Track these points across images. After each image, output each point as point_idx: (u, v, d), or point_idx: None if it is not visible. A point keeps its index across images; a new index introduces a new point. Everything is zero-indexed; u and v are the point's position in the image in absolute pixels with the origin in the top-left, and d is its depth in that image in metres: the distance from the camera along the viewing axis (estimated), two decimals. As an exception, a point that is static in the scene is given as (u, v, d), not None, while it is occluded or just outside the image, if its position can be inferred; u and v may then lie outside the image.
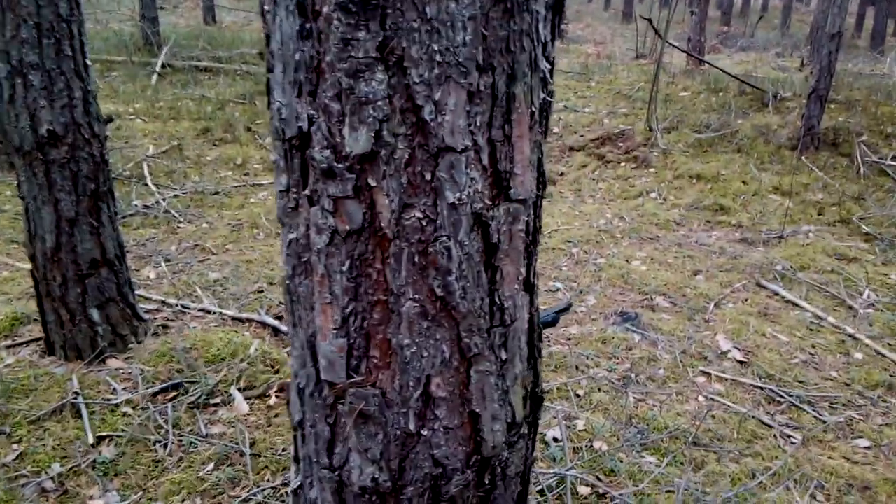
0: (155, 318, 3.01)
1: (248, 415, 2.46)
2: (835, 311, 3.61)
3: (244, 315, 3.14)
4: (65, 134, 2.40)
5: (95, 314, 2.60)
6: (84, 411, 2.34)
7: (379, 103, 0.60)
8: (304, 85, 0.64)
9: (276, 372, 2.72)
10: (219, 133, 6.75)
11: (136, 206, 4.67)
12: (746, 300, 3.74)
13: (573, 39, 15.66)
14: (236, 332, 2.96)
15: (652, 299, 3.73)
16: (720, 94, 8.04)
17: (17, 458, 2.17)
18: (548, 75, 0.66)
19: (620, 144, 6.48)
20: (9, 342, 2.79)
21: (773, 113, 7.00)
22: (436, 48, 0.59)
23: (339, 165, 0.64)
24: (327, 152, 0.64)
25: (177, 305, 3.19)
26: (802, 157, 5.95)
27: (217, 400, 2.52)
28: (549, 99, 0.67)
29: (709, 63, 8.53)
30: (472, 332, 0.68)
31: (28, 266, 3.77)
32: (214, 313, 3.15)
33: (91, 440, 2.23)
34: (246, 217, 4.71)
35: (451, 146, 0.62)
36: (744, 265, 4.23)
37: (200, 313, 3.15)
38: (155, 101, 7.75)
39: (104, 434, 2.27)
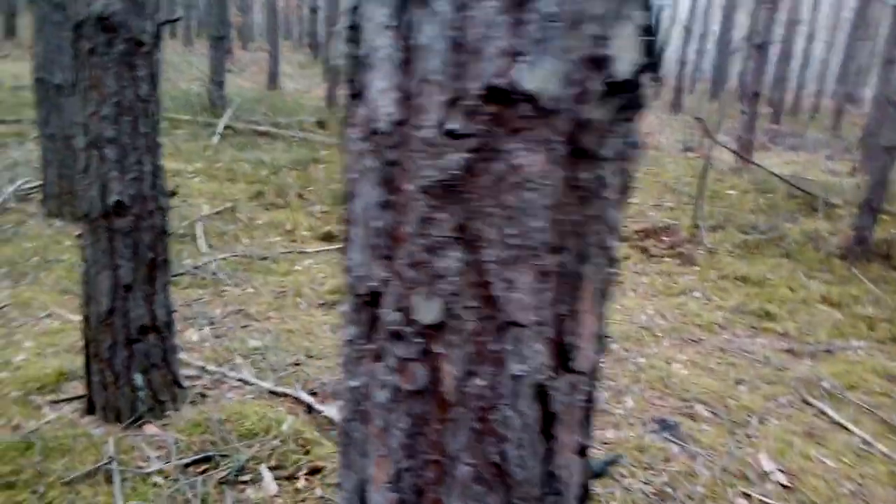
0: (194, 385, 3.05)
1: (276, 496, 2.45)
2: (886, 438, 3.45)
3: (280, 389, 3.16)
4: (131, 205, 2.52)
5: (139, 379, 2.65)
6: (116, 478, 2.36)
7: (452, 278, 0.63)
8: (381, 249, 0.67)
9: (307, 452, 2.70)
10: (271, 197, 6.97)
11: (186, 265, 4.81)
12: (791, 417, 3.61)
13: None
14: (271, 406, 2.97)
15: (692, 407, 3.63)
16: (768, 195, 8.00)
17: (45, 522, 2.19)
18: (614, 253, 0.69)
19: (665, 239, 6.46)
20: (52, 397, 2.86)
21: (823, 219, 6.92)
22: (510, 232, 0.62)
23: (408, 329, 0.66)
24: (397, 315, 0.67)
25: (216, 373, 3.23)
26: (853, 268, 5.83)
27: (247, 477, 2.52)
28: (613, 273, 0.69)
29: (758, 165, 8.54)
30: (525, 500, 0.68)
31: (78, 318, 3.90)
32: (252, 385, 3.18)
33: (119, 509, 2.24)
34: (291, 285, 4.80)
35: (518, 321, 0.64)
36: (789, 378, 4.10)
37: (238, 383, 3.18)
38: (214, 161, 8.09)
39: (133, 504, 2.28)
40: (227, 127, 9.85)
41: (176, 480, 2.41)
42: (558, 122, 0.60)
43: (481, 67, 0.58)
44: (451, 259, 0.63)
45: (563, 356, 0.67)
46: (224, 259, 5.07)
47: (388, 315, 0.68)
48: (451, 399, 0.66)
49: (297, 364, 3.58)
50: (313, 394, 3.21)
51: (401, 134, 0.63)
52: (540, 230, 0.62)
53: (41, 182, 5.43)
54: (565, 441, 0.70)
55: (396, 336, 0.67)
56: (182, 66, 20.39)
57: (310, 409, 3.07)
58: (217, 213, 6.12)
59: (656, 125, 18.43)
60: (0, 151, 7.14)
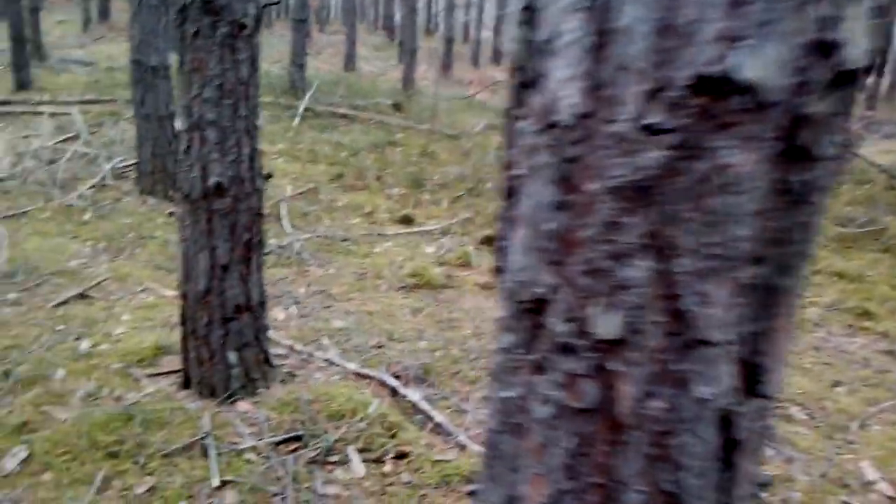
0: (283, 364, 3.10)
1: (364, 479, 2.46)
2: None
3: (365, 371, 3.18)
4: (230, 187, 2.56)
5: (233, 357, 2.71)
6: (212, 452, 2.42)
7: (637, 289, 0.57)
8: (551, 254, 0.61)
9: (393, 436, 2.71)
10: (350, 180, 7.04)
11: (272, 245, 4.91)
12: (895, 423, 3.38)
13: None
14: (357, 387, 2.99)
15: (787, 408, 3.44)
16: (866, 186, 7.51)
17: (147, 491, 2.27)
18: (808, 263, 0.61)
19: (756, 230, 6.14)
20: (150, 371, 2.97)
21: (931, 212, 6.44)
22: (709, 240, 0.55)
23: (580, 342, 0.61)
24: (568, 326, 0.61)
25: (303, 353, 3.28)
26: (967, 266, 5.40)
27: (335, 458, 2.54)
28: (803, 287, 0.62)
29: (855, 154, 8.01)
30: (698, 533, 0.62)
31: (171, 293, 4.04)
32: (337, 365, 3.21)
33: (216, 483, 2.30)
34: (370, 267, 4.83)
35: (708, 339, 0.57)
36: (891, 382, 3.84)
37: (324, 364, 3.22)
38: (296, 142, 8.22)
39: (228, 479, 2.33)
40: (307, 109, 9.99)
41: (268, 458, 2.46)
42: (774, 117, 0.52)
43: (691, 53, 0.51)
44: (638, 268, 0.56)
45: (751, 378, 0.60)
46: (307, 239, 5.14)
47: (556, 325, 0.62)
48: (625, 420, 0.60)
49: (380, 346, 3.59)
50: (397, 377, 3.22)
51: (586, 127, 0.57)
52: (743, 238, 0.55)
53: (136, 160, 5.64)
54: (746, 471, 0.63)
55: (565, 348, 0.62)
56: (263, 48, 20.86)
57: (394, 392, 3.07)
58: (300, 193, 6.23)
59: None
60: (97, 130, 7.47)
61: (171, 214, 5.26)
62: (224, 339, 2.69)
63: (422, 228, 5.85)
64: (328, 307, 4.10)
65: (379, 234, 5.57)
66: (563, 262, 0.60)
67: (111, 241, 4.60)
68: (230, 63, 2.44)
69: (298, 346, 3.33)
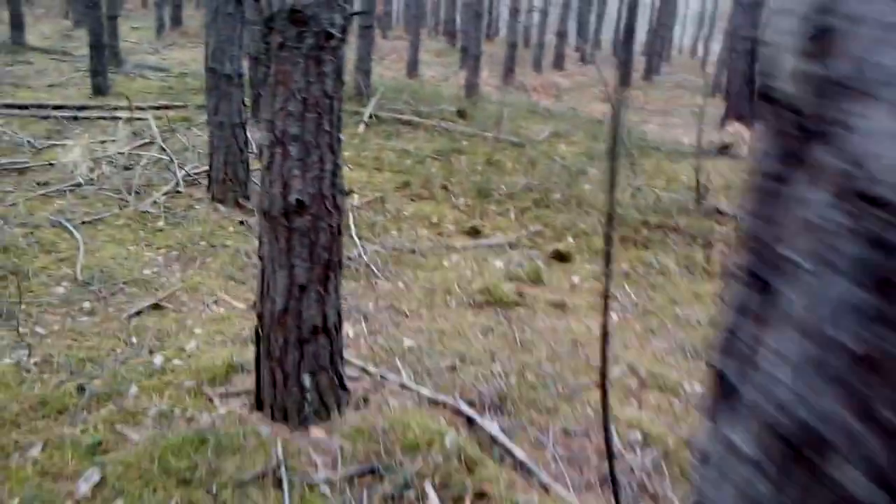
0: (356, 389, 2.98)
1: (442, 520, 2.31)
2: None
3: (440, 397, 3.03)
4: (311, 204, 2.45)
5: (307, 380, 2.60)
6: (286, 484, 2.31)
7: None
8: (847, 380, 0.44)
9: (472, 472, 2.54)
10: (416, 188, 6.93)
11: (339, 256, 4.82)
12: None
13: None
14: (432, 416, 2.84)
15: None
16: None
17: (220, 524, 2.17)
18: None
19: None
20: (222, 390, 2.89)
21: None
22: None
23: (892, 509, 0.43)
24: (868, 487, 0.43)
25: (375, 375, 3.16)
26: None
27: (411, 494, 2.39)
28: None
29: None
30: None
31: (242, 306, 3.99)
32: (411, 390, 3.07)
33: (290, 519, 2.18)
34: (440, 281, 4.69)
35: None
36: None
37: (397, 387, 3.08)
38: (361, 149, 8.18)
39: (302, 514, 2.22)
40: (371, 115, 9.97)
41: (342, 493, 2.33)
42: None
43: None
44: None
45: None
46: (375, 252, 5.04)
47: (850, 482, 0.44)
48: None
49: (453, 369, 3.44)
50: (471, 404, 3.06)
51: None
52: None
53: (208, 167, 5.66)
54: None
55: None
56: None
57: (470, 421, 2.91)
58: (367, 202, 6.15)
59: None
60: (170, 136, 7.59)
61: (241, 223, 5.25)
62: (299, 361, 2.58)
63: (490, 241, 5.68)
64: (398, 324, 3.97)
65: (447, 247, 5.43)
66: (867, 395, 0.42)
67: (183, 250, 4.60)
68: (315, 75, 2.33)
69: (371, 368, 3.21)
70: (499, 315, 4.26)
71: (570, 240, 5.77)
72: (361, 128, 9.44)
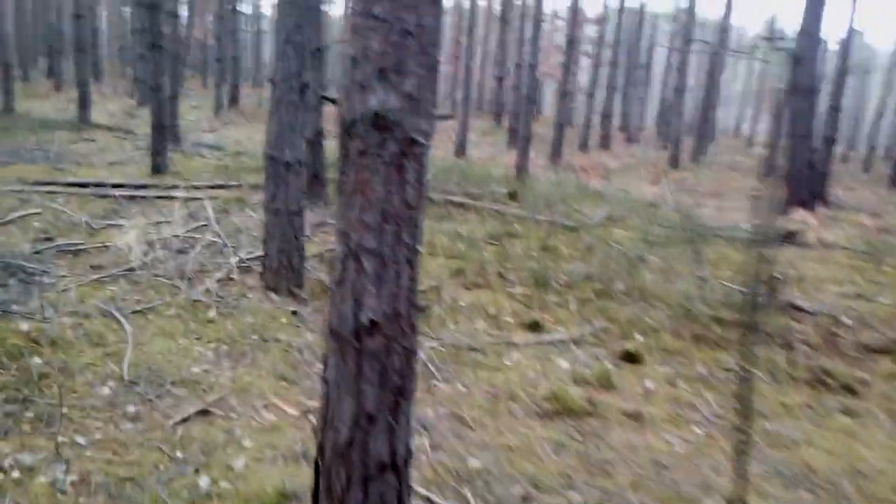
0: (422, 527, 2.64)
1: None
2: None
3: (516, 540, 2.66)
4: (385, 324, 2.19)
5: (371, 524, 2.28)
6: None
7: None
8: None
9: None
10: (472, 275, 6.68)
11: (395, 354, 4.54)
12: None
13: (840, 205, 14.07)
14: (509, 565, 2.47)
15: None
16: None
17: None
18: None
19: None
20: (274, 524, 2.58)
21: None
22: None
23: None
24: None
25: (443, 508, 2.81)
26: None
27: None
28: None
29: None
30: None
31: (295, 412, 3.71)
32: (483, 529, 2.71)
33: None
34: (502, 384, 4.35)
35: None
36: None
37: (467, 525, 2.73)
38: (413, 233, 8.00)
39: None
40: (422, 196, 9.86)
41: None
42: None
43: None
44: None
45: None
46: (432, 348, 4.75)
47: None
48: None
49: (525, 500, 3.06)
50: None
51: None
52: None
53: (262, 254, 5.52)
54: None
55: None
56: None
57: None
58: (422, 292, 5.89)
59: (875, 201, 16.17)
60: (224, 217, 7.57)
61: (294, 313, 5.04)
62: (363, 502, 2.27)
63: (552, 337, 5.34)
64: (461, 437, 3.63)
65: (507, 343, 5.10)
66: None
67: (234, 344, 4.38)
68: (397, 184, 2.12)
69: (437, 499, 2.86)
70: (569, 426, 3.89)
71: (639, 337, 5.39)
72: (412, 209, 9.32)
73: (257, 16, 41.69)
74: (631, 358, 5.01)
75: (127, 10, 34.81)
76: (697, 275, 7.01)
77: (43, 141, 12.37)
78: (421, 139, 2.13)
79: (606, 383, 4.51)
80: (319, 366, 4.40)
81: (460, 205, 9.98)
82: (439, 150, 17.16)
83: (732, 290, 6.67)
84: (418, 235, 2.23)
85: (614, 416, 4.07)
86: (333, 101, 1.99)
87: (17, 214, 6.58)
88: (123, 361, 3.88)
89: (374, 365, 2.22)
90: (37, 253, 5.81)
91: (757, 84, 37.62)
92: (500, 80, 26.43)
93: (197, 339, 4.41)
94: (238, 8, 25.90)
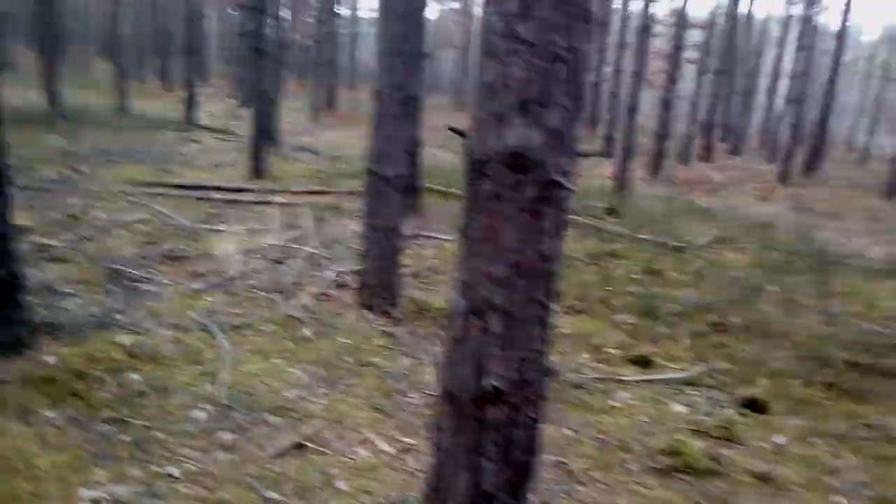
0: None
1: None
2: None
3: None
4: (510, 392, 1.90)
5: None
6: None
7: None
8: None
9: None
10: (571, 299, 6.28)
11: (495, 388, 4.25)
12: None
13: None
14: None
15: None
16: None
17: None
18: None
19: None
20: None
21: None
22: None
23: None
24: None
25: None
26: None
27: None
28: None
29: None
30: None
31: (391, 450, 3.48)
32: None
33: None
34: (611, 429, 3.97)
35: None
36: None
37: None
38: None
39: None
40: (518, 208, 9.53)
41: None
42: None
43: None
44: None
45: None
46: (535, 384, 4.41)
47: None
48: None
49: (649, 579, 2.69)
50: None
51: None
52: None
53: (358, 269, 5.36)
54: None
55: None
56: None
57: None
58: (520, 316, 5.57)
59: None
60: (319, 225, 7.52)
61: (389, 335, 4.84)
62: (476, 591, 1.98)
63: (663, 375, 4.89)
64: (570, 494, 3.29)
65: (614, 380, 4.70)
66: None
67: (328, 368, 4.22)
68: (532, 233, 1.82)
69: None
70: (692, 488, 3.47)
71: (763, 382, 4.86)
72: (508, 222, 9.00)
73: (354, 18, 42.54)
74: (755, 406, 4.50)
75: (233, 14, 36.29)
76: (826, 310, 6.33)
77: (152, 141, 12.89)
78: (563, 181, 1.82)
79: (730, 435, 4.04)
80: (414, 395, 4.19)
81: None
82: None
83: (870, 329, 5.98)
84: (554, 292, 1.92)
85: (742, 477, 3.62)
86: (462, 134, 1.73)
87: (124, 219, 6.73)
88: (219, 382, 3.77)
89: (496, 438, 1.93)
90: (141, 258, 5.89)
91: (876, 93, 34.88)
92: (596, 85, 25.67)
93: (292, 359, 4.27)
94: (336, 10, 26.42)
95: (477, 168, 1.84)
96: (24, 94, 16.36)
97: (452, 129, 1.86)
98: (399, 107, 4.89)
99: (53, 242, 5.72)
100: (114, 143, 12.18)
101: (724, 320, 6.00)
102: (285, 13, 25.99)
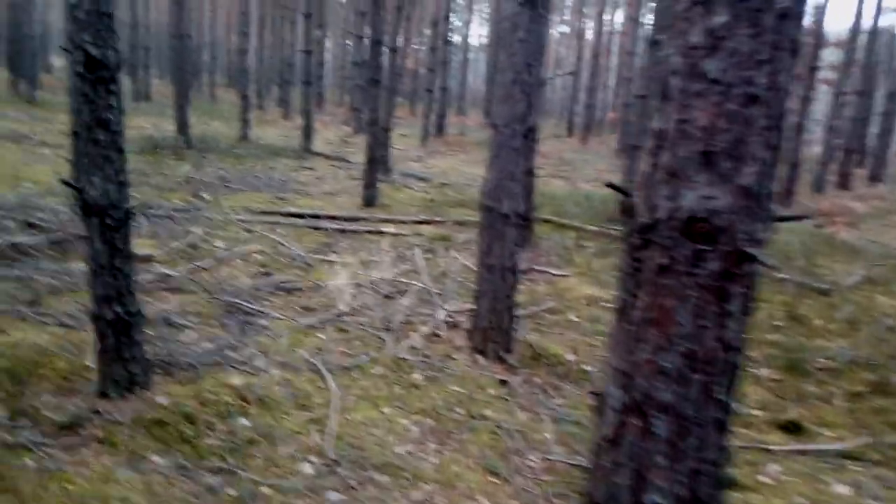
0: None
1: None
2: None
3: None
4: (679, 512, 1.52)
5: None
6: None
7: None
8: None
9: None
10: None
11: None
12: None
13: None
14: None
15: None
16: None
17: None
18: None
19: None
20: None
21: None
22: None
23: None
24: None
25: None
26: None
27: None
28: None
29: None
30: None
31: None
32: None
33: None
34: (762, 514, 3.42)
35: None
36: None
37: None
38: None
39: None
40: (636, 241, 8.96)
41: None
42: None
43: None
44: None
45: None
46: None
47: None
48: None
49: None
50: None
51: None
52: None
53: (470, 308, 5.08)
54: None
55: None
56: (578, 164, 20.81)
57: None
58: (645, 367, 5.07)
59: None
60: (429, 257, 7.33)
61: (502, 383, 4.51)
62: None
63: (818, 446, 4.24)
64: None
65: (761, 449, 4.12)
66: None
67: (439, 419, 3.94)
68: (713, 317, 1.45)
69: None
70: None
71: (947, 462, 4.10)
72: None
73: (465, 46, 43.06)
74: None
75: (349, 44, 37.68)
76: None
77: (269, 168, 13.33)
78: (755, 253, 1.43)
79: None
80: (533, 457, 3.82)
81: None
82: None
83: None
84: (736, 389, 1.53)
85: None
86: (625, 193, 1.43)
87: (240, 250, 6.82)
88: (327, 432, 3.58)
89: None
90: (255, 289, 5.90)
91: None
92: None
93: (401, 408, 4.03)
94: (449, 38, 26.72)
95: (642, 234, 1.50)
96: (157, 123, 17.54)
97: (611, 186, 1.53)
98: (518, 139, 4.60)
99: (173, 272, 5.83)
100: (234, 171, 12.69)
101: (885, 380, 5.21)
102: (399, 41, 26.60)
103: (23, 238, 6.12)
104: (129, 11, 30.38)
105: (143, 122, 18.76)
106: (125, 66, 35.71)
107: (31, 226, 6.62)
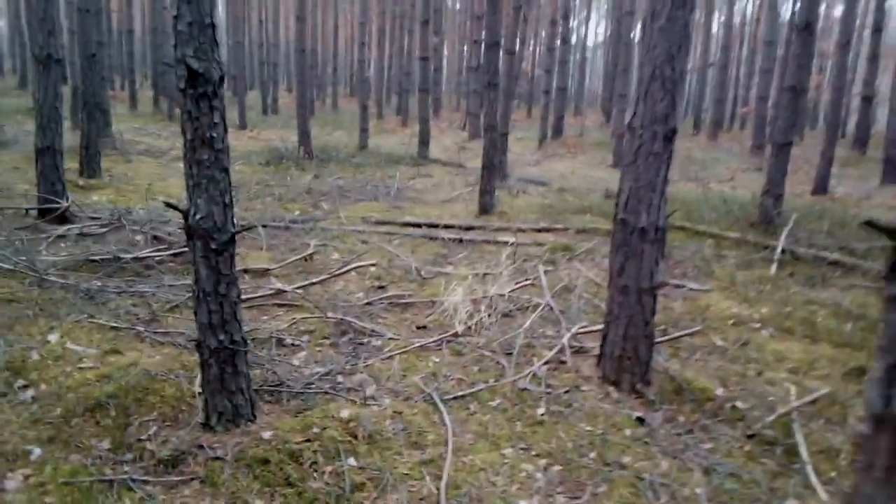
0: None
1: None
2: None
3: None
4: None
5: None
6: None
7: None
8: None
9: None
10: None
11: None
12: None
13: None
14: None
15: None
16: None
17: None
18: None
19: None
20: None
21: None
22: None
23: None
24: None
25: None
26: None
27: None
28: None
29: None
30: None
31: None
32: None
33: None
34: None
35: None
36: None
37: None
38: (781, 303, 6.31)
39: None
40: (784, 251, 8.00)
41: None
42: None
43: None
44: None
45: None
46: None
47: None
48: None
49: None
50: None
51: None
52: None
53: (601, 334, 4.53)
54: None
55: None
56: (708, 164, 19.39)
57: None
58: (812, 404, 4.30)
59: None
60: (550, 269, 6.81)
61: (640, 421, 3.94)
62: None
63: None
64: None
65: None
66: None
67: (567, 466, 3.44)
68: None
69: None
70: None
71: None
72: (773, 268, 7.55)
73: (582, 44, 41.91)
74: None
75: (465, 49, 37.67)
76: None
77: (386, 177, 13.30)
78: None
79: None
80: (680, 517, 3.24)
81: (836, 263, 7.82)
82: (788, 184, 14.50)
83: None
84: None
85: None
86: (889, 232, 0.99)
87: (354, 265, 6.64)
88: (441, 477, 3.19)
89: None
90: (368, 304, 5.67)
91: None
92: (866, 100, 21.94)
93: (524, 450, 3.57)
94: (567, 38, 25.93)
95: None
96: (283, 134, 18.14)
97: (870, 224, 1.01)
98: (659, 143, 4.02)
99: (286, 288, 5.71)
100: (352, 180, 12.76)
101: None
102: (515, 44, 26.14)
103: (147, 252, 6.25)
104: (259, 32, 32.03)
105: (270, 135, 19.49)
106: (255, 81, 37.66)
107: (156, 239, 6.78)
